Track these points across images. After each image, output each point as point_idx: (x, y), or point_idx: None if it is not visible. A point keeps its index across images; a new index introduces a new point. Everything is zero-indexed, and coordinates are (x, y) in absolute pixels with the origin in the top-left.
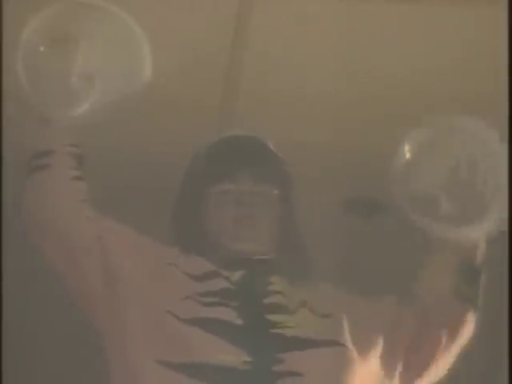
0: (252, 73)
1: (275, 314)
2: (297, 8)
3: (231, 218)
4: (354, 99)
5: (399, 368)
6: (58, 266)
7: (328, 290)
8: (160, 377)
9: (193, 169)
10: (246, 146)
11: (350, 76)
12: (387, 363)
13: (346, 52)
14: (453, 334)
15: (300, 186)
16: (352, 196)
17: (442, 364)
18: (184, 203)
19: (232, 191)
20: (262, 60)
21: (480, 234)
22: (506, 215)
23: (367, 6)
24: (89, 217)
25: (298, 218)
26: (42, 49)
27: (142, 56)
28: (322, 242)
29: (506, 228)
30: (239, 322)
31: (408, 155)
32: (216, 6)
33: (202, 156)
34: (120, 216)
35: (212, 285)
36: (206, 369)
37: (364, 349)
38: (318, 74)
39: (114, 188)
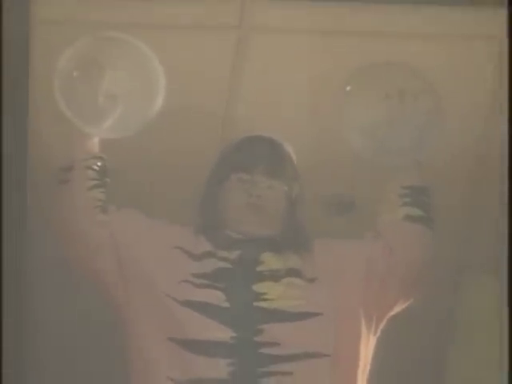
0: (248, 96)
1: (261, 285)
2: (288, 42)
3: (243, 203)
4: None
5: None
6: (75, 266)
7: (317, 255)
8: (166, 350)
9: (221, 157)
10: (266, 146)
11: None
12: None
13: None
14: (409, 253)
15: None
16: (331, 196)
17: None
18: (210, 186)
19: (247, 181)
20: (258, 87)
21: (415, 158)
22: (438, 141)
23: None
24: (100, 220)
25: (300, 208)
26: (75, 74)
27: (158, 79)
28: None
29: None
30: (227, 304)
31: (349, 94)
32: (216, 40)
33: (230, 148)
34: (148, 208)
35: (208, 265)
36: (201, 344)
37: (350, 303)
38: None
39: (138, 184)
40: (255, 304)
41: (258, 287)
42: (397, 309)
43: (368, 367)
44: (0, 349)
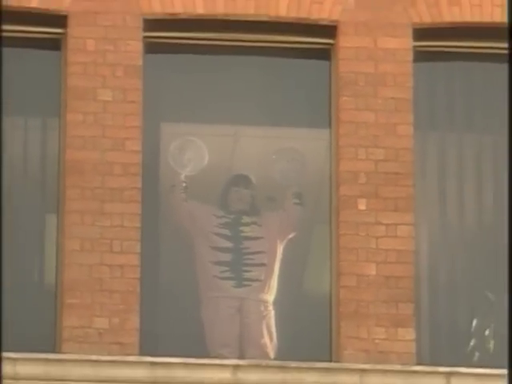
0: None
1: (242, 227)
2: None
3: (236, 198)
4: None
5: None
6: (176, 221)
7: (266, 217)
8: (207, 251)
9: (227, 182)
10: (245, 177)
11: None
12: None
13: None
14: (295, 217)
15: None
16: (267, 196)
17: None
18: (224, 193)
19: (237, 191)
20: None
21: (297, 182)
22: (304, 176)
23: None
24: (185, 205)
25: (257, 200)
26: (177, 152)
27: (204, 154)
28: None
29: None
30: (230, 234)
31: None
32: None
33: (230, 179)
34: (204, 201)
35: (223, 220)
36: (221, 249)
37: (276, 236)
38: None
39: (197, 191)
40: (240, 234)
41: (242, 229)
42: (289, 236)
43: (280, 257)
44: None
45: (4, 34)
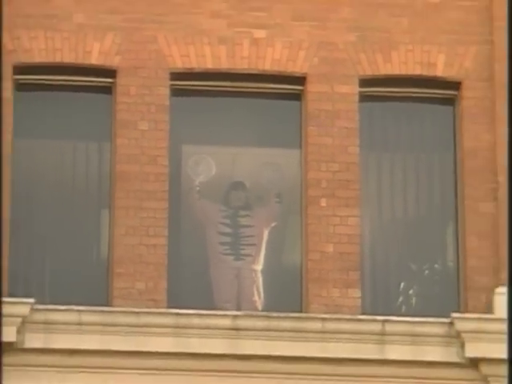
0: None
1: (239, 218)
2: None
3: (235, 198)
4: None
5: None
6: (194, 214)
7: (256, 211)
8: (216, 233)
9: (228, 186)
10: (241, 182)
11: None
12: (264, 226)
13: None
14: (275, 210)
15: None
16: (256, 195)
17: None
18: (226, 194)
19: (236, 193)
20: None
21: (277, 186)
22: (284, 181)
23: None
24: (199, 202)
25: (249, 198)
26: (193, 164)
27: (212, 166)
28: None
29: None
30: (230, 223)
31: (262, 172)
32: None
33: (230, 184)
34: (212, 200)
35: (226, 213)
36: (223, 234)
37: (263, 224)
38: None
39: (207, 192)
40: (238, 223)
41: (239, 219)
42: (272, 225)
43: (266, 239)
44: None
45: (71, 83)
